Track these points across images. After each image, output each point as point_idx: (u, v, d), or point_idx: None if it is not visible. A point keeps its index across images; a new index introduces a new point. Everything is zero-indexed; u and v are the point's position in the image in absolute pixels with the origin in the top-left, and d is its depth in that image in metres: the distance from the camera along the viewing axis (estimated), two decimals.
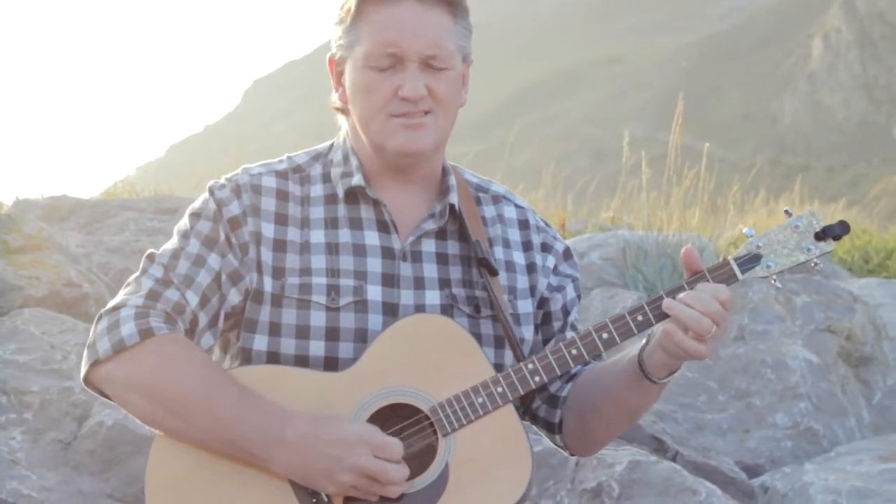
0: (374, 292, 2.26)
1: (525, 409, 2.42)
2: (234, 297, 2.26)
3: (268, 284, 2.25)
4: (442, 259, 2.34)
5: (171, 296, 2.21)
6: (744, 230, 2.25)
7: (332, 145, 2.42)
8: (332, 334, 2.23)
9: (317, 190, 2.34)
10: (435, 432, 2.17)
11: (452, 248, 2.35)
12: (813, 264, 2.24)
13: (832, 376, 5.49)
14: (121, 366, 2.15)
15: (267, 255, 2.26)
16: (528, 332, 2.38)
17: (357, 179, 2.31)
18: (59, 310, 4.82)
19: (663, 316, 2.16)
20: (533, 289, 2.41)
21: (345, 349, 2.22)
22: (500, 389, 2.19)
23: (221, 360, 2.34)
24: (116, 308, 2.20)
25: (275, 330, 2.24)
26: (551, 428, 2.41)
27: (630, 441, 4.60)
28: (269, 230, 2.28)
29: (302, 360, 2.22)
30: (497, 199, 2.47)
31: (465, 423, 2.17)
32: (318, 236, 2.29)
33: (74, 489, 4.00)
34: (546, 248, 2.46)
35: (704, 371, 5.38)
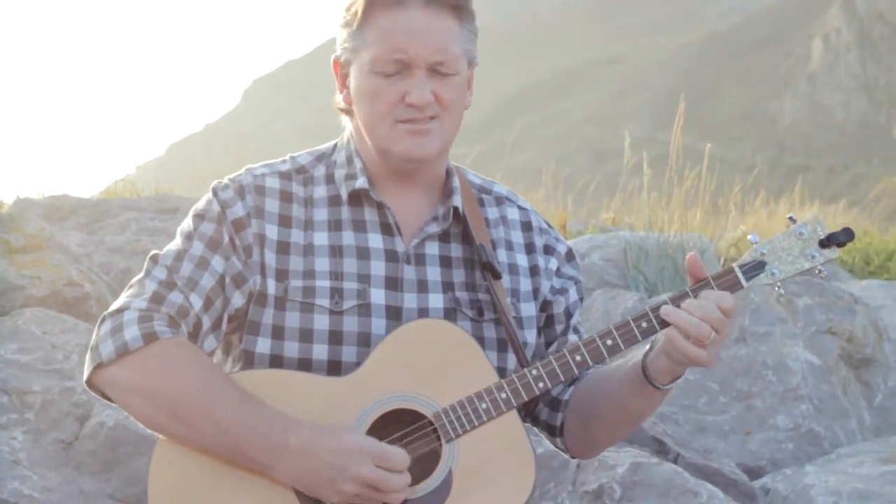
0: (378, 296, 2.26)
1: (526, 411, 2.41)
2: (237, 299, 2.24)
3: (271, 287, 2.24)
4: (445, 262, 2.33)
5: (174, 299, 2.20)
6: (748, 236, 2.24)
7: (335, 146, 2.41)
8: (335, 338, 2.22)
9: (320, 191, 2.33)
10: (438, 438, 2.17)
11: (456, 251, 2.35)
12: (817, 272, 2.24)
13: (833, 378, 5.48)
14: (124, 370, 2.15)
15: (270, 258, 2.25)
16: (531, 336, 2.37)
17: (361, 182, 2.30)
18: (61, 309, 4.81)
19: (667, 323, 2.16)
20: (536, 292, 2.40)
21: (348, 353, 2.22)
22: (503, 395, 2.18)
23: (223, 362, 2.33)
24: (120, 311, 2.19)
25: (278, 333, 2.23)
26: (552, 431, 2.40)
27: (631, 443, 4.59)
28: (272, 232, 2.27)
29: (305, 364, 2.21)
30: (500, 201, 2.46)
31: (468, 428, 2.17)
32: (321, 238, 2.28)
33: (76, 489, 3.99)
34: (549, 250, 2.45)
35: (706, 372, 5.37)
